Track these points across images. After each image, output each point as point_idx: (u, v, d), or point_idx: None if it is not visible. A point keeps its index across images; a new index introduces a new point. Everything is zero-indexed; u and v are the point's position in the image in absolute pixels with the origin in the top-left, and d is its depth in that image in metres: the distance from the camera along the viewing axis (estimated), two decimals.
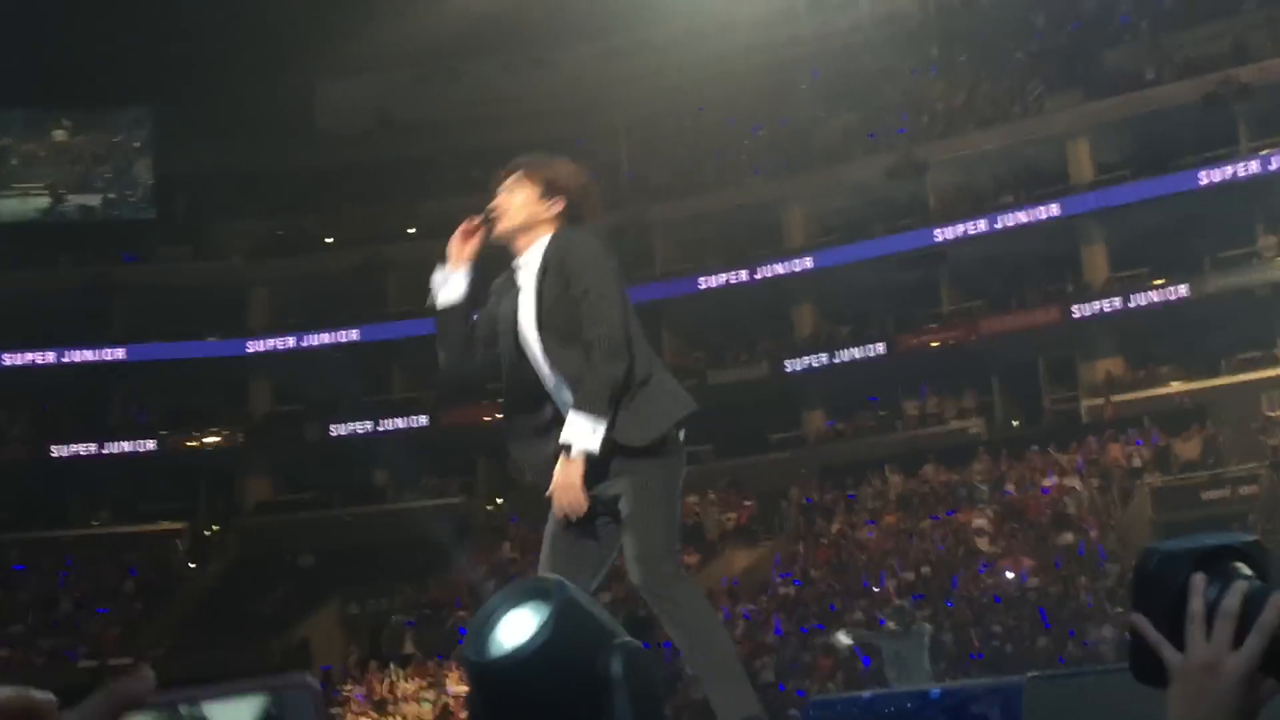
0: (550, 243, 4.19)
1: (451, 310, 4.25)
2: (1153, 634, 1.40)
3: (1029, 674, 3.68)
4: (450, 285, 4.24)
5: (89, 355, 35.05)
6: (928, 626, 15.61)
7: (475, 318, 4.31)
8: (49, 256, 36.01)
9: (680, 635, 4.10)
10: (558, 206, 4.22)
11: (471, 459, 34.21)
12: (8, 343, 34.52)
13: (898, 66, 35.49)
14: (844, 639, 15.13)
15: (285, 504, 35.27)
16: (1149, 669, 1.40)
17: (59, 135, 38.61)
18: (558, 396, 4.14)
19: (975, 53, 35.72)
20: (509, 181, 4.26)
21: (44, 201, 38.02)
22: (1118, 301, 30.33)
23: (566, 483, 3.95)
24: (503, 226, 4.24)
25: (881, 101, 35.19)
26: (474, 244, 4.25)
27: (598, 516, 4.12)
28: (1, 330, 34.62)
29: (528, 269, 4.21)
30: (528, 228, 4.23)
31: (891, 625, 14.29)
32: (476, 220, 4.26)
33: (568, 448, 3.95)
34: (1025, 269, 31.71)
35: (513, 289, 4.23)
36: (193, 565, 34.34)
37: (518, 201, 4.23)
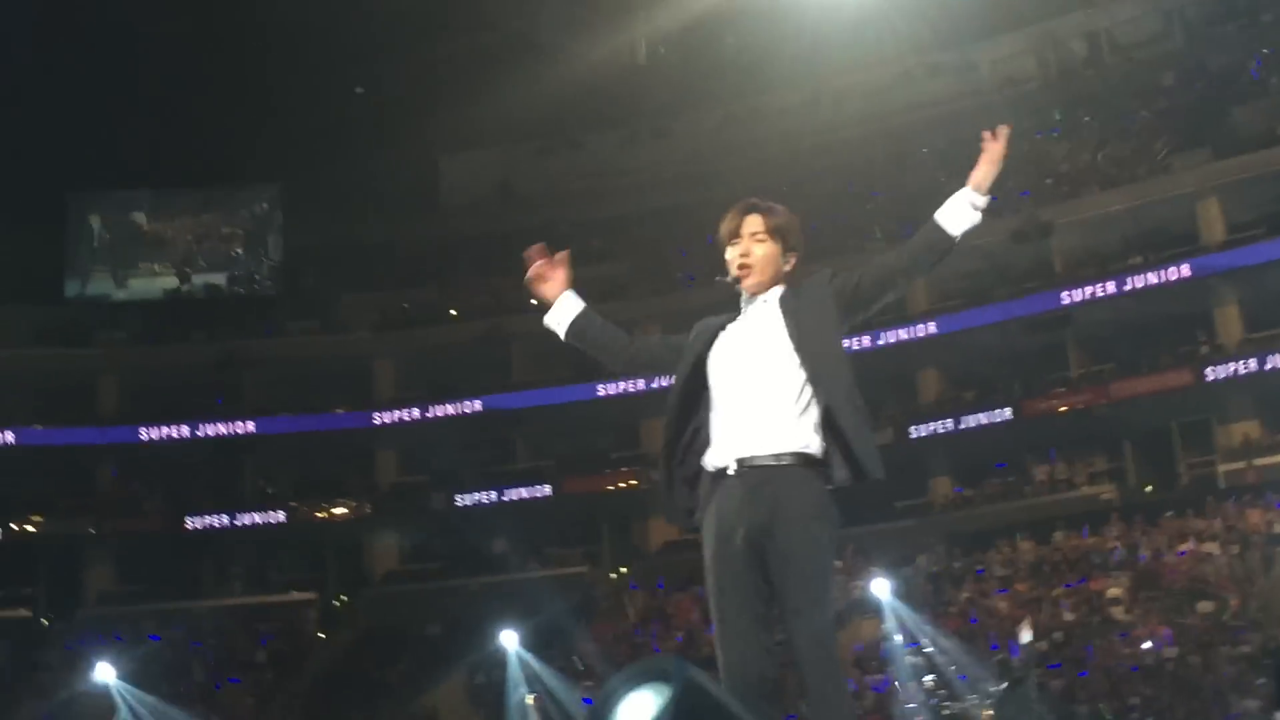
0: (786, 295, 4.27)
1: (578, 323, 4.39)
2: None
3: None
4: (563, 308, 4.40)
5: (221, 429, 35.75)
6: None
7: (651, 341, 4.43)
8: (181, 333, 36.93)
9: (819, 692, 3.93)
10: (791, 264, 4.35)
11: (596, 527, 34.23)
12: (144, 418, 35.35)
13: (1019, 128, 35.15)
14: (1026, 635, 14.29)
15: (412, 574, 35.52)
16: None
17: (192, 210, 39.62)
18: (741, 438, 4.06)
19: (1099, 113, 35.29)
20: (756, 229, 4.29)
21: (172, 281, 38.96)
22: (1253, 363, 29.54)
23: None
24: (752, 280, 4.28)
25: (1004, 164, 34.79)
26: (563, 273, 4.39)
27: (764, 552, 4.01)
28: (137, 406, 35.53)
29: (759, 317, 4.24)
30: (770, 284, 4.29)
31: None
32: (543, 263, 4.37)
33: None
34: (1156, 331, 31.07)
35: (733, 331, 4.25)
36: (322, 635, 34.67)
37: (766, 256, 4.28)
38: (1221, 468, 30.19)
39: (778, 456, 4.04)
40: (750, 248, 4.26)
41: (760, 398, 4.08)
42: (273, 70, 33.21)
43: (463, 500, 35.00)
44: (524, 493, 34.75)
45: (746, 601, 3.97)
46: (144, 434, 35.39)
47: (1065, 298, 31.55)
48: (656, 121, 38.22)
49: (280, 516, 35.59)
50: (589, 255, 35.21)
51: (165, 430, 35.48)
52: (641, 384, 31.41)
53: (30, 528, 34.49)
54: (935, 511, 32.21)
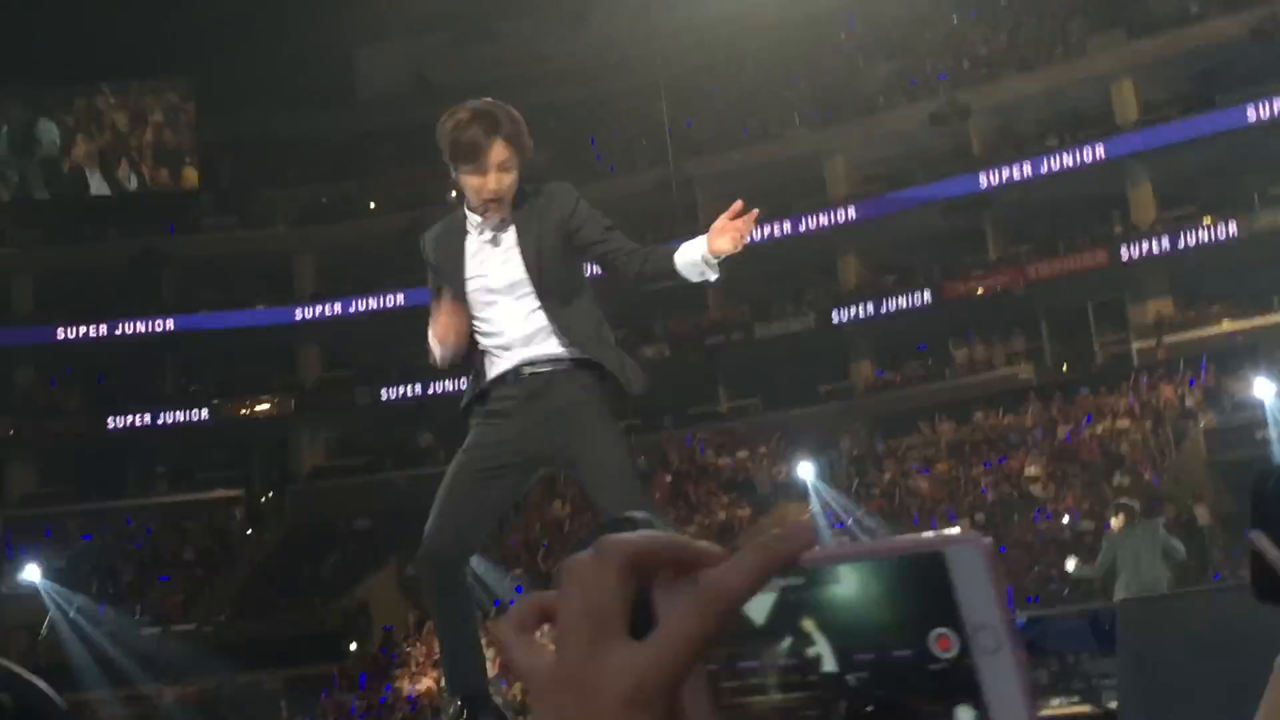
0: (536, 198, 4.21)
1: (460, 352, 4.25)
2: (1273, 552, 1.40)
3: (1121, 600, 3.70)
4: (452, 347, 4.21)
5: (140, 327, 35.40)
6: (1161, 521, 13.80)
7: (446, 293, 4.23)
8: (97, 230, 36.36)
9: None
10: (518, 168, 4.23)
11: None
12: (61, 317, 34.93)
13: (936, 12, 35.15)
14: (1073, 562, 13.73)
15: (339, 469, 35.55)
16: (1271, 587, 1.41)
17: (102, 108, 38.82)
18: (525, 346, 4.14)
19: None
20: (503, 158, 4.14)
21: (87, 179, 38.26)
22: (1166, 242, 30.00)
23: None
24: (496, 214, 4.19)
25: (921, 48, 34.88)
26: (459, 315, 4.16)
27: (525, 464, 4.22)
28: (54, 305, 35.07)
29: (501, 229, 4.19)
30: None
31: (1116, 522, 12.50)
32: (452, 308, 4.12)
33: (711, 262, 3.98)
34: (1072, 212, 31.42)
35: (481, 249, 4.20)
36: (250, 532, 34.70)
37: (511, 186, 4.17)
38: (1135, 345, 30.79)
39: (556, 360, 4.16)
40: (499, 180, 4.13)
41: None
42: None
43: (388, 394, 34.97)
44: (450, 385, 34.71)
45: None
46: (61, 333, 34.98)
47: (983, 180, 31.79)
48: (573, 9, 37.74)
49: (204, 414, 35.44)
50: None
51: (83, 329, 35.09)
52: None
53: None
54: (858, 395, 32.62)
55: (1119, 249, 30.58)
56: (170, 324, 35.49)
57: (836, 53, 35.95)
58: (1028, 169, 31.33)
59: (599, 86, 36.57)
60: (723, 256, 3.96)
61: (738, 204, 3.94)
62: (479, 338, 4.21)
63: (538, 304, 4.12)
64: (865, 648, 0.62)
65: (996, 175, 31.62)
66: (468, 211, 4.26)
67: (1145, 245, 30.25)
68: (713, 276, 4.03)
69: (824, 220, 33.05)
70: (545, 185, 4.28)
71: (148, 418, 35.21)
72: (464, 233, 4.25)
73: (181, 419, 35.32)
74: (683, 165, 34.17)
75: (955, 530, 0.61)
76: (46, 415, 35.00)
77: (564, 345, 4.10)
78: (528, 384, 4.12)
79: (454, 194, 4.29)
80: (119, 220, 36.60)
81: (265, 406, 35.84)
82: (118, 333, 35.21)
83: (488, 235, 4.21)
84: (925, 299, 32.12)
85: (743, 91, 36.17)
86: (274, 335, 35.49)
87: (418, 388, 34.67)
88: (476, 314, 4.18)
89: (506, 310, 4.14)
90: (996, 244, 32.77)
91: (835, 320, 32.79)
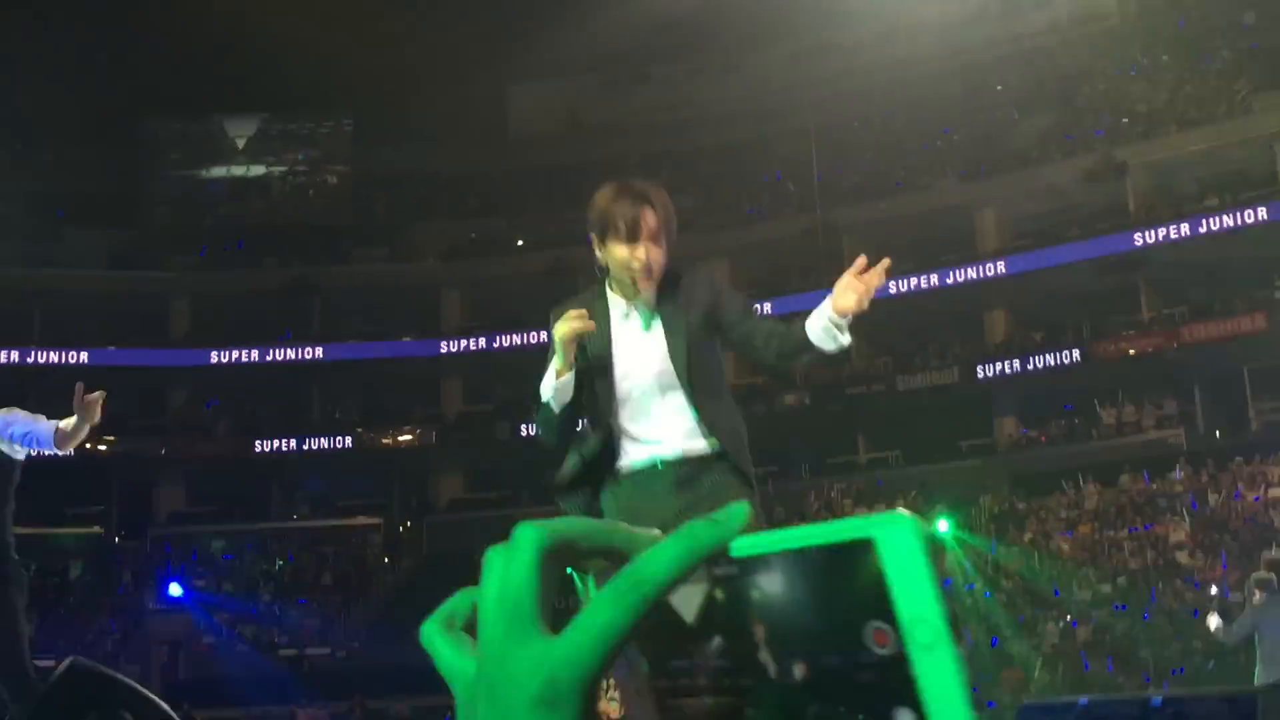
0: (677, 284, 4.05)
1: (567, 407, 4.07)
2: None
3: (1263, 685, 3.54)
4: (564, 388, 4.04)
5: (290, 354, 36.17)
6: None
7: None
8: (253, 258, 37.29)
9: None
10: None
11: None
12: (214, 341, 35.83)
13: (1096, 67, 34.61)
14: (1214, 621, 12.87)
15: (476, 501, 35.86)
16: None
17: (261, 143, 39.86)
18: (673, 440, 4.01)
19: (1179, 51, 34.63)
20: (653, 227, 3.97)
21: (248, 205, 39.30)
22: None
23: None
24: (646, 288, 4.02)
25: (1079, 102, 34.37)
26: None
27: None
28: (208, 329, 35.99)
29: (650, 317, 4.05)
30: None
31: (1258, 598, 11.39)
32: (586, 320, 3.91)
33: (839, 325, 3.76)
34: (1229, 274, 30.61)
35: (625, 331, 4.06)
36: (387, 560, 35.13)
37: (660, 258, 3.99)
38: None
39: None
40: (650, 252, 3.96)
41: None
42: (346, 1, 33.24)
43: (527, 430, 35.19)
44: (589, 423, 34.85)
45: None
46: (215, 357, 35.87)
47: (1138, 239, 31.14)
48: (726, 54, 37.91)
49: (347, 442, 36.03)
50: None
51: (235, 353, 35.95)
52: None
53: (103, 447, 35.09)
54: (1000, 452, 32.07)
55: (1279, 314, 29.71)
56: (319, 352, 36.21)
57: (992, 105, 35.57)
58: (1185, 229, 30.62)
59: (749, 132, 36.62)
60: (849, 315, 3.73)
61: (861, 259, 3.72)
62: (618, 418, 4.08)
63: (685, 399, 4.00)
64: (800, 644, 0.57)
65: (1152, 234, 30.95)
66: (608, 291, 4.09)
67: None
68: (845, 340, 3.78)
69: (972, 274, 32.62)
70: (684, 272, 4.11)
71: (293, 443, 35.89)
72: (607, 316, 4.08)
73: (326, 446, 35.95)
74: (830, 213, 34.01)
75: (886, 511, 0.56)
76: (196, 437, 35.86)
77: (709, 443, 3.98)
78: (671, 475, 3.99)
79: (599, 270, 4.06)
80: (275, 249, 37.51)
81: (407, 437, 36.34)
82: (268, 359, 36.01)
83: (635, 323, 4.06)
84: (1074, 357, 31.51)
85: (894, 141, 35.94)
86: (418, 367, 36.01)
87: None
88: (619, 394, 4.06)
89: (651, 403, 4.03)
90: (1150, 304, 32.05)
91: (980, 375, 32.30)
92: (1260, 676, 10.53)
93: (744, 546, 0.58)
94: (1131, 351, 31.19)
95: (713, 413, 4.01)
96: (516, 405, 35.37)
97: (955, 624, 0.54)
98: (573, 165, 37.59)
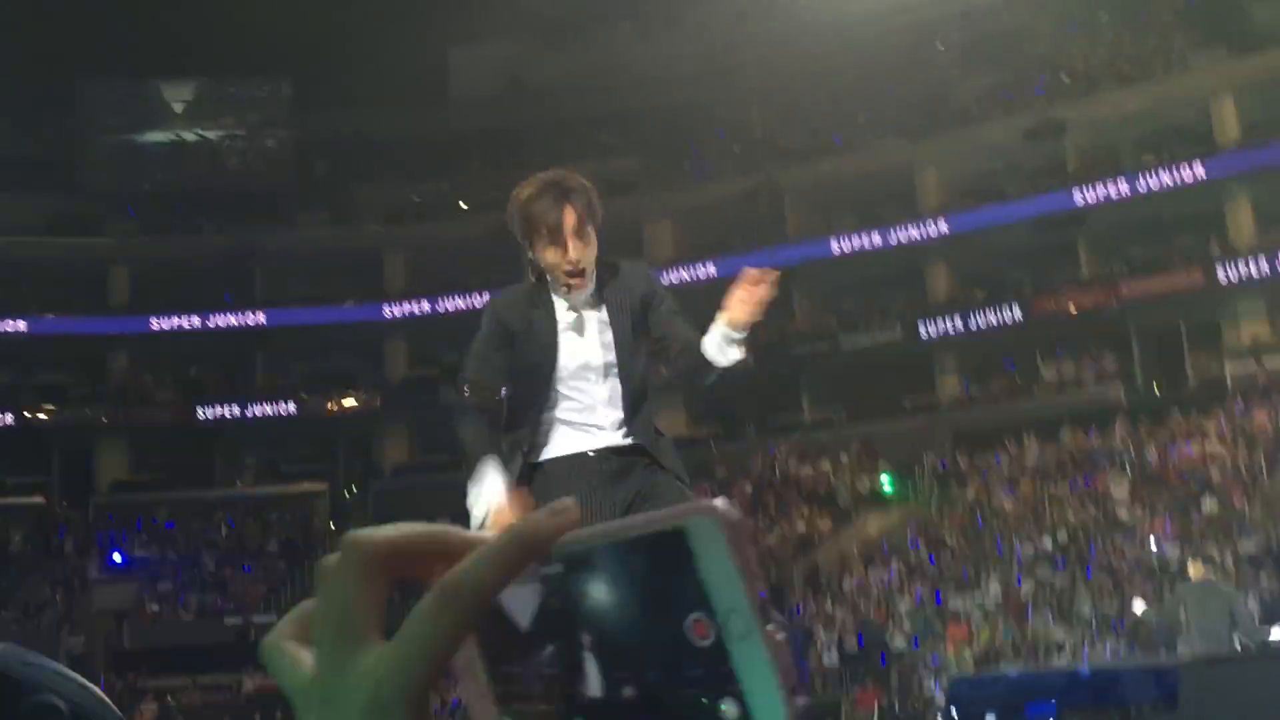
0: (616, 276, 4.05)
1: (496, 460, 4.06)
2: None
3: (1187, 658, 3.60)
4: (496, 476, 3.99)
5: (232, 320, 35.91)
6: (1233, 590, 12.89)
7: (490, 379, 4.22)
8: (193, 224, 36.93)
9: None
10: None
11: None
12: (155, 307, 35.51)
13: (1034, 26, 34.76)
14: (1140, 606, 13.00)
15: (422, 466, 35.78)
16: None
17: (198, 105, 39.43)
18: (613, 429, 4.02)
19: (1118, 9, 34.83)
20: (577, 224, 3.90)
21: (187, 169, 38.90)
22: (1264, 264, 29.46)
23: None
24: (582, 288, 3.99)
25: (1019, 61, 34.53)
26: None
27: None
28: (149, 296, 35.66)
29: (593, 307, 4.04)
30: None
31: (1195, 570, 11.69)
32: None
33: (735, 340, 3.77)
34: (1168, 231, 30.96)
35: (569, 323, 4.05)
36: (333, 526, 35.02)
37: (591, 256, 3.96)
38: (1230, 368, 30.23)
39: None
40: (580, 252, 3.90)
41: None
42: None
43: None
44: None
45: None
46: (155, 324, 35.56)
47: (1078, 197, 31.40)
48: (668, 14, 37.77)
49: (291, 408, 35.85)
50: (599, 150, 35.05)
51: (176, 320, 35.65)
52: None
53: (43, 416, 34.77)
54: (943, 409, 32.34)
55: (1215, 270, 30.07)
56: (261, 317, 35.98)
57: (932, 65, 35.67)
58: (1124, 186, 30.90)
59: (691, 93, 36.55)
60: (742, 328, 3.73)
61: (751, 271, 3.72)
62: (553, 411, 4.07)
63: (621, 386, 4.01)
64: (627, 640, 0.56)
65: (1092, 192, 31.22)
66: (551, 290, 4.05)
67: (1243, 266, 29.73)
68: (738, 355, 3.77)
69: (914, 233, 32.79)
70: (622, 263, 4.11)
71: (236, 409, 35.69)
72: (550, 308, 4.05)
73: (269, 412, 35.76)
74: (772, 173, 34.05)
75: (698, 501, 0.55)
76: (138, 404, 35.57)
77: (635, 433, 4.01)
78: (610, 465, 3.99)
79: (533, 278, 4.03)
80: (214, 214, 37.16)
81: (352, 401, 36.20)
82: (209, 325, 35.74)
83: (578, 315, 4.04)
84: (1015, 315, 31.78)
85: (835, 101, 35.99)
86: (362, 332, 35.85)
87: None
88: (562, 390, 4.05)
89: (596, 390, 4.03)
90: (1090, 262, 32.35)
91: (922, 334, 32.52)
92: (1183, 649, 10.55)
93: (568, 543, 0.57)
94: (1072, 308, 31.48)
95: (648, 407, 4.06)
96: (461, 369, 35.34)
97: (766, 612, 0.53)
98: (515, 127, 37.45)
